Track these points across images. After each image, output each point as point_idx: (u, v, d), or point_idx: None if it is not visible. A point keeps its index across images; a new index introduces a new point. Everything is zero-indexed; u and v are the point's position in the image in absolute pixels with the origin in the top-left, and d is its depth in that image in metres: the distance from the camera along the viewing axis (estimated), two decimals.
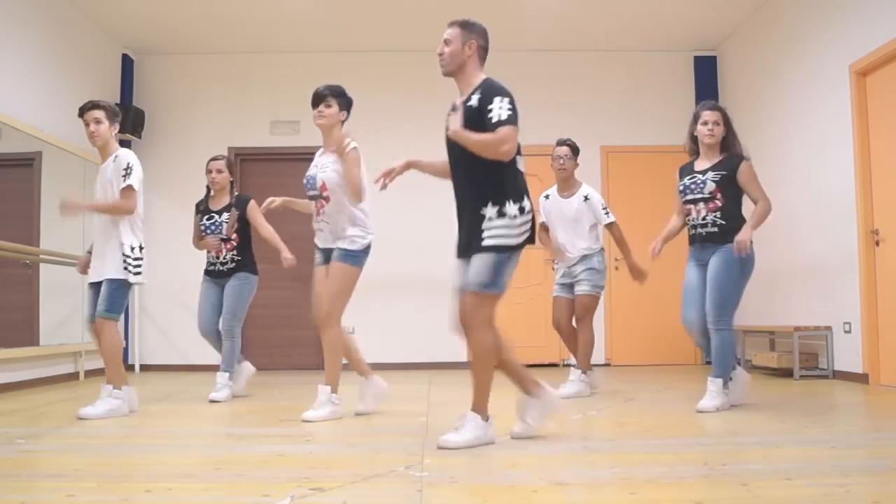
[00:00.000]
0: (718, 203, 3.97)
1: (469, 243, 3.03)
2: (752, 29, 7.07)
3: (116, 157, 4.12)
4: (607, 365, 7.60)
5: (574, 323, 4.98)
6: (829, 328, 5.72)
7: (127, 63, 7.64)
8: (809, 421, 3.67)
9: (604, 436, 3.46)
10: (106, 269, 4.05)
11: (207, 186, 5.11)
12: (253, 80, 7.82)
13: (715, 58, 7.88)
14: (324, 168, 3.90)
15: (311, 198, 3.98)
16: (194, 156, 7.74)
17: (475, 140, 2.94)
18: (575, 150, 4.98)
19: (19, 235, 5.66)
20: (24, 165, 6.00)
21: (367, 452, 3.01)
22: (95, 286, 4.12)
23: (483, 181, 3.00)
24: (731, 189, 3.98)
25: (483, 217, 2.98)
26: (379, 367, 7.36)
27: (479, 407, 3.03)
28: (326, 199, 3.87)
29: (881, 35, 5.04)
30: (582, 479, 2.48)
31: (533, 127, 7.54)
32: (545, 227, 5.07)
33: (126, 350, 7.53)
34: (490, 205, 2.98)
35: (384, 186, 3.31)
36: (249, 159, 7.77)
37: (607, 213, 4.95)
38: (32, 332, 5.84)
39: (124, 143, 7.50)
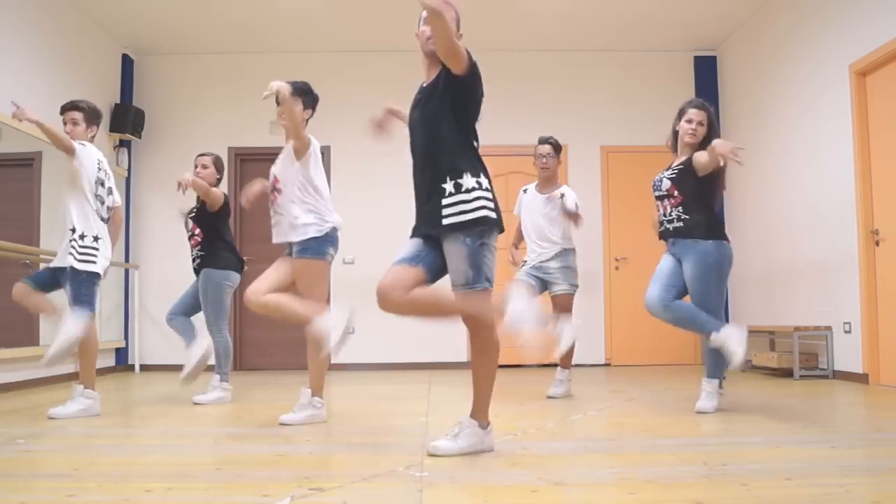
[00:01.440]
0: (679, 199, 3.90)
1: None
2: (752, 29, 7.07)
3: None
4: (607, 365, 7.60)
5: None
6: (829, 328, 5.72)
7: (127, 63, 7.65)
8: (809, 421, 3.67)
9: (604, 436, 3.45)
10: (62, 257, 4.04)
11: None
12: (253, 80, 7.79)
13: (715, 58, 7.89)
14: (276, 162, 3.84)
15: (273, 190, 3.85)
16: (194, 156, 7.73)
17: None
18: (557, 149, 4.99)
19: (19, 235, 5.65)
20: (24, 165, 6.00)
21: (367, 452, 3.00)
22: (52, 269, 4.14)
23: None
24: (688, 183, 3.88)
25: (444, 192, 2.80)
26: (379, 367, 7.42)
27: (480, 412, 2.86)
28: (279, 191, 3.78)
29: (881, 35, 5.04)
30: (582, 479, 2.48)
31: (533, 126, 7.56)
32: (519, 226, 5.10)
33: (126, 350, 7.54)
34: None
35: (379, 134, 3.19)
36: (249, 159, 7.76)
37: (577, 206, 4.85)
38: (32, 332, 5.83)
39: (124, 143, 7.53)
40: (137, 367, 7.44)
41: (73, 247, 3.99)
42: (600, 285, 7.66)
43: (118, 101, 7.47)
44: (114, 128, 7.28)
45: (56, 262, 4.12)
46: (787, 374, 5.99)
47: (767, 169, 6.77)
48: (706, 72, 7.86)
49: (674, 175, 3.93)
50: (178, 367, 7.19)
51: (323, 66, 7.78)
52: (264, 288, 3.55)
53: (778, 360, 5.99)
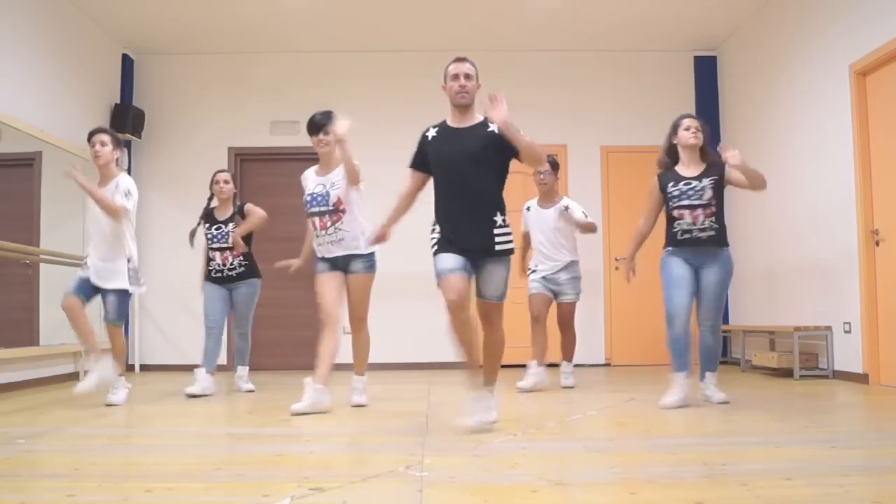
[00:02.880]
0: (713, 209, 4.14)
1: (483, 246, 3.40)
2: (752, 29, 7.07)
3: (118, 183, 4.50)
4: (607, 365, 7.59)
5: (560, 327, 5.38)
6: (829, 328, 5.72)
7: (127, 63, 7.64)
8: (809, 421, 3.67)
9: (604, 436, 3.46)
10: (115, 280, 4.47)
11: (211, 196, 5.35)
12: (253, 80, 7.82)
13: (715, 58, 7.88)
14: (336, 186, 4.26)
15: (319, 213, 4.26)
16: (194, 156, 7.74)
17: (525, 140, 3.42)
18: (555, 167, 5.38)
19: (19, 235, 5.66)
20: (24, 165, 6.00)
21: (367, 452, 3.01)
22: (89, 281, 4.50)
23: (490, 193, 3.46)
24: (720, 194, 4.19)
25: (495, 223, 3.39)
26: (379, 366, 7.39)
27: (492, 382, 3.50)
28: (343, 211, 4.25)
29: (881, 35, 5.04)
30: (582, 479, 2.48)
31: (533, 127, 7.52)
32: (526, 237, 5.50)
33: (126, 350, 7.53)
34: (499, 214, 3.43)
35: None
36: (249, 159, 7.76)
37: (586, 215, 5.31)
38: (32, 332, 5.84)
39: (124, 143, 7.52)
40: (137, 367, 7.43)
41: (130, 273, 4.50)
42: (600, 285, 7.66)
43: (118, 101, 7.46)
44: (114, 128, 7.26)
45: (103, 284, 4.48)
46: (787, 374, 5.99)
47: (768, 169, 6.70)
48: (706, 72, 7.85)
49: (713, 185, 4.15)
50: (179, 367, 7.26)
51: (323, 66, 7.78)
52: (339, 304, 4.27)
53: (778, 360, 5.99)
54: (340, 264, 4.30)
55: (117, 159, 4.60)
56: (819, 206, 5.89)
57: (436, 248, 3.48)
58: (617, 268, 7.70)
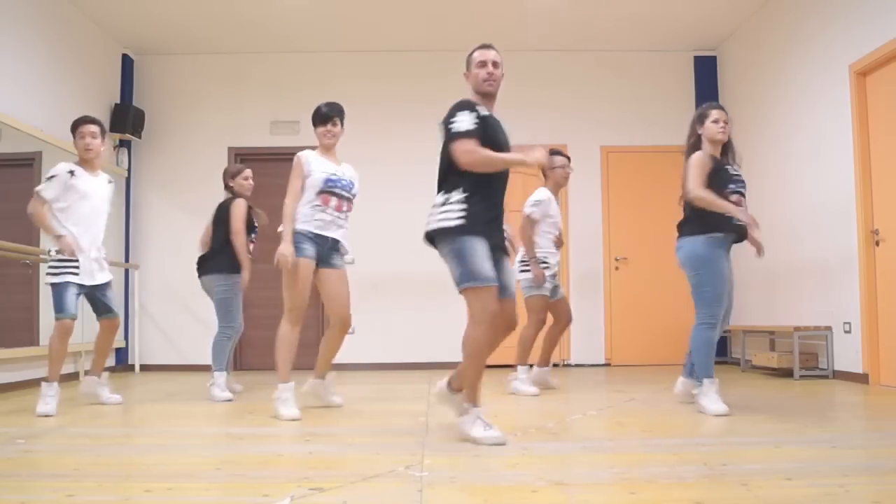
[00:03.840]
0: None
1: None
2: (752, 29, 7.07)
3: (111, 181, 4.56)
4: (607, 365, 7.60)
5: (567, 323, 5.33)
6: (829, 328, 5.72)
7: (127, 63, 7.64)
8: (809, 421, 3.67)
9: (604, 436, 3.46)
10: (107, 271, 4.48)
11: (234, 193, 5.26)
12: (253, 80, 7.81)
13: (715, 58, 7.88)
14: (356, 186, 4.36)
15: (340, 196, 4.22)
16: (194, 156, 7.75)
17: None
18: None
19: (19, 235, 5.65)
20: (24, 165, 6.00)
21: (367, 452, 3.01)
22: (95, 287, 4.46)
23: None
24: None
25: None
26: (379, 367, 7.41)
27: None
28: (350, 204, 4.30)
29: (881, 35, 5.05)
30: (582, 479, 2.49)
31: (533, 127, 7.57)
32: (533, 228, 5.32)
33: (126, 350, 7.54)
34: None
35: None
36: (249, 159, 7.74)
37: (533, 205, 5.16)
38: (32, 332, 5.83)
39: (124, 143, 7.53)
40: (137, 367, 7.43)
41: (105, 261, 4.47)
42: (600, 285, 7.66)
43: (118, 101, 7.47)
44: (114, 128, 7.28)
45: (100, 280, 4.43)
46: (787, 374, 5.99)
47: (768, 169, 6.77)
48: (706, 72, 7.85)
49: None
50: (179, 367, 7.26)
51: (323, 66, 7.78)
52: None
53: (778, 360, 6.00)
54: (322, 253, 4.13)
55: (102, 150, 4.57)
56: (819, 206, 5.89)
57: (465, 224, 3.17)
58: (617, 268, 7.70)
